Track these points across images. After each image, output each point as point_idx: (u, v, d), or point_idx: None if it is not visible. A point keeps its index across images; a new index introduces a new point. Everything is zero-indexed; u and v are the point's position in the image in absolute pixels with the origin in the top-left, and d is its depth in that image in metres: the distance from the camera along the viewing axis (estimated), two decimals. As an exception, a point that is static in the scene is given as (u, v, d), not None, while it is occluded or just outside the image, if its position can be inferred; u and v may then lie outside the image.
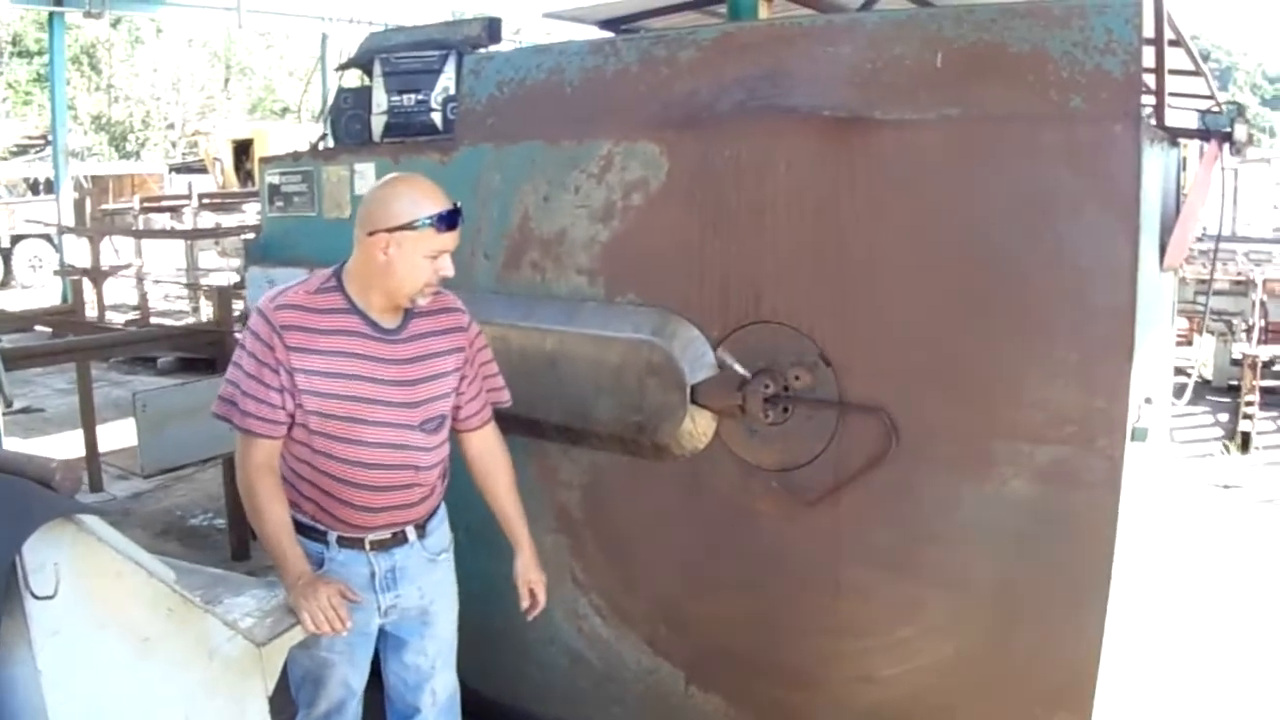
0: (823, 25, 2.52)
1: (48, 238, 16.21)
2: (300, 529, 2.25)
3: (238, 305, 6.17)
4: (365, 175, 3.19)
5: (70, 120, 17.80)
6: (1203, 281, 7.02)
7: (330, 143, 3.56)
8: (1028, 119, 2.16)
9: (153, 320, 10.96)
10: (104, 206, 15.65)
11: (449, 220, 2.16)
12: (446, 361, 2.31)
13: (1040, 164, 2.15)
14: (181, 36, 27.63)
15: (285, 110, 28.60)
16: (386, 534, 2.32)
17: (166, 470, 4.61)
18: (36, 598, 1.60)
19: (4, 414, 5.41)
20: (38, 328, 9.03)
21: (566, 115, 2.79)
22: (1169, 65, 3.09)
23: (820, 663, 2.57)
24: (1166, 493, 3.88)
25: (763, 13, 4.08)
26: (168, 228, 13.21)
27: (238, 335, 4.88)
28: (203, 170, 19.78)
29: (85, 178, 17.81)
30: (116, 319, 10.83)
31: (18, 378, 6.24)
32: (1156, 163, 2.48)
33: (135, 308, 12.08)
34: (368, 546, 2.31)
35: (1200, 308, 7.06)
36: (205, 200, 14.04)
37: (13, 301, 14.03)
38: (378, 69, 3.26)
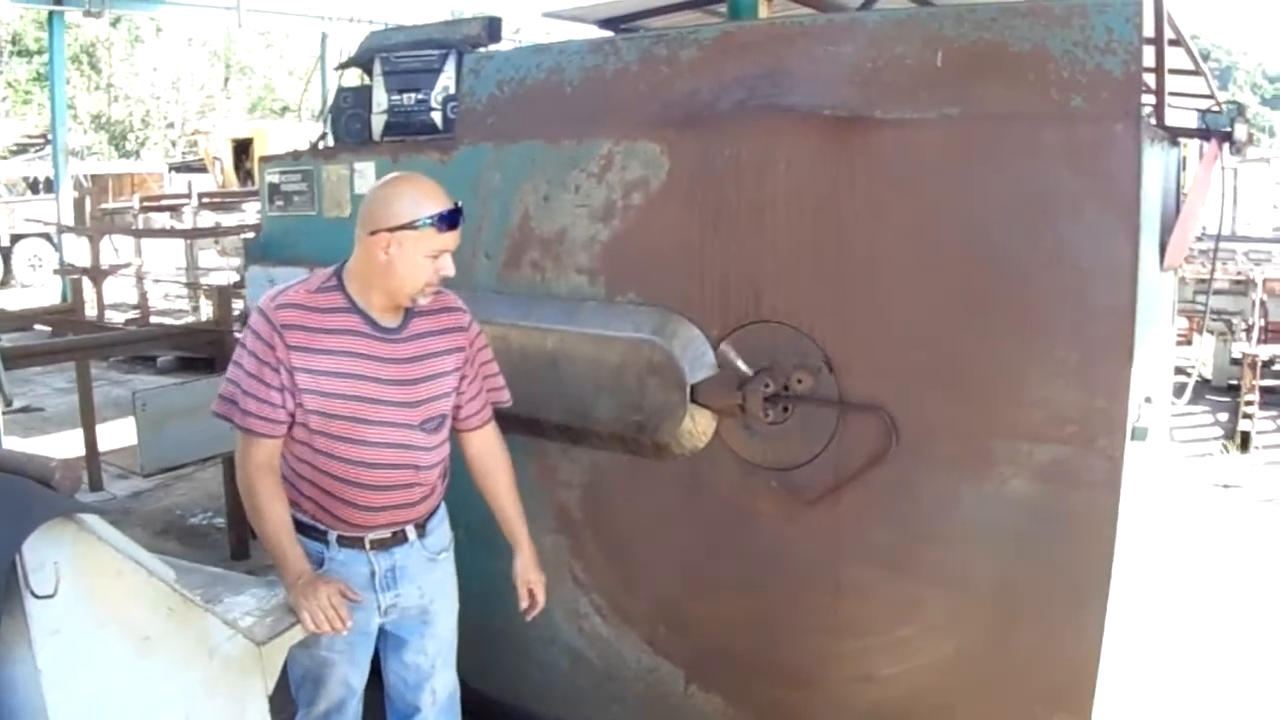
0: (823, 24, 2.52)
1: (47, 237, 16.20)
2: (300, 528, 2.25)
3: (237, 304, 6.17)
4: (365, 174, 3.18)
5: (70, 119, 17.79)
6: (1202, 281, 7.02)
7: (330, 142, 3.56)
8: (1028, 118, 2.16)
9: (152, 319, 10.96)
10: (104, 206, 15.64)
11: (450, 220, 2.16)
12: (447, 361, 2.31)
13: (1041, 163, 2.15)
14: (181, 35, 27.62)
15: (285, 109, 28.60)
16: (387, 533, 2.32)
17: (166, 469, 4.60)
18: (36, 597, 1.60)
19: (4, 413, 5.41)
20: (37, 327, 9.01)
21: (567, 114, 2.79)
22: (1169, 65, 3.09)
23: (820, 662, 2.57)
24: (1166, 492, 3.88)
25: (763, 12, 4.09)
26: (167, 227, 13.21)
27: (237, 334, 4.89)
28: (202, 169, 19.77)
29: (85, 177, 17.78)
30: (116, 318, 10.83)
31: (17, 377, 6.24)
32: (1157, 162, 2.48)
33: (135, 307, 12.07)
34: (368, 546, 2.31)
35: (1200, 307, 7.06)
36: (205, 199, 14.04)
37: (12, 300, 14.02)
38: (378, 68, 3.26)
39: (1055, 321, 2.17)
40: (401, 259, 2.13)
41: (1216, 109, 3.74)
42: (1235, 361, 8.12)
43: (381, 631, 2.41)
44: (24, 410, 7.81)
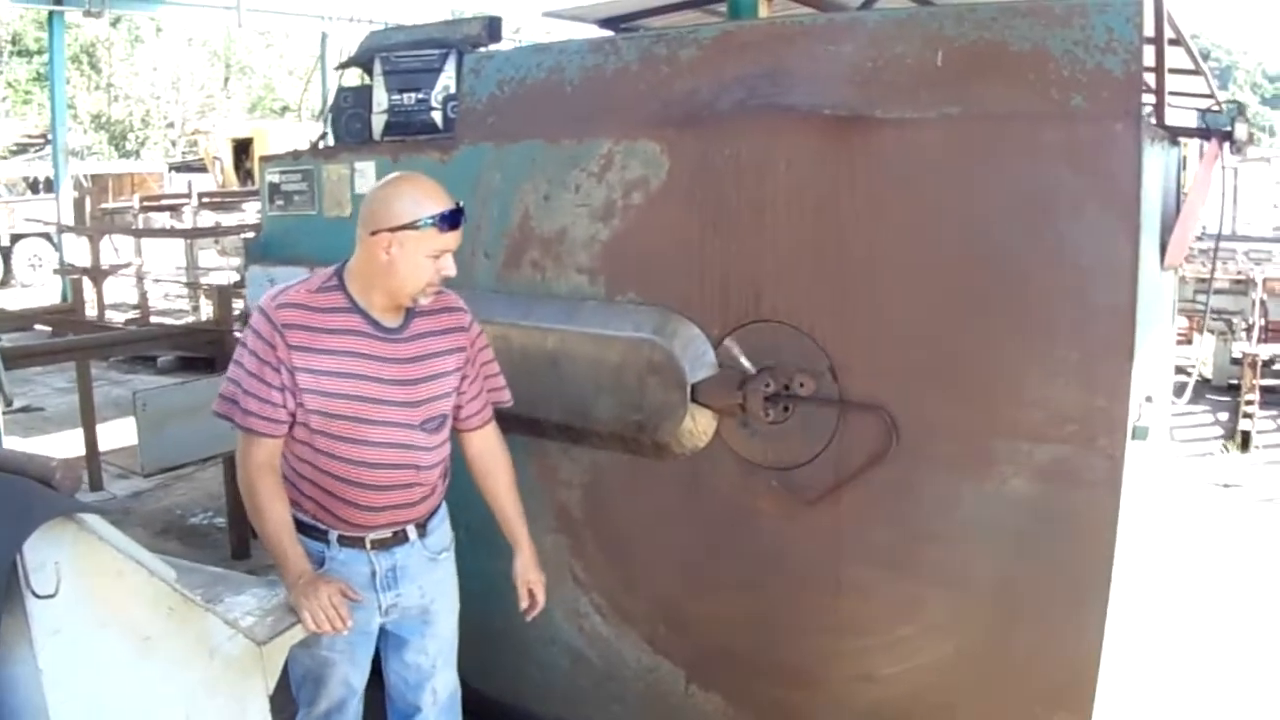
0: (823, 24, 2.52)
1: (47, 236, 16.20)
2: (301, 528, 2.25)
3: (237, 304, 6.16)
4: (365, 174, 3.18)
5: (70, 119, 17.79)
6: (1203, 280, 7.02)
7: (330, 141, 3.56)
8: (1028, 117, 2.16)
9: (152, 319, 10.96)
10: (104, 205, 15.64)
11: (451, 220, 2.16)
12: (447, 361, 2.31)
13: (1041, 163, 2.15)
14: (181, 35, 27.62)
15: (285, 109, 28.61)
16: (387, 533, 2.32)
17: (166, 469, 4.60)
18: (37, 596, 1.60)
19: (4, 413, 5.41)
20: (37, 326, 9.02)
21: (567, 114, 2.79)
22: (1169, 64, 3.09)
23: (820, 661, 2.57)
24: (1167, 492, 3.88)
25: (763, 11, 4.09)
26: (167, 227, 13.21)
27: (238, 334, 4.89)
28: (202, 169, 19.78)
29: (85, 177, 17.78)
30: (116, 318, 10.82)
31: (17, 376, 6.24)
32: (1157, 162, 2.48)
33: (135, 307, 12.07)
34: (368, 545, 2.31)
35: (1200, 306, 7.05)
36: (205, 199, 14.04)
37: (12, 300, 14.01)
38: (378, 68, 3.26)
39: (1056, 321, 2.17)
40: (403, 259, 2.13)
41: (1217, 108, 3.74)
42: (1235, 361, 8.12)
43: (382, 631, 2.41)
44: (24, 410, 7.81)
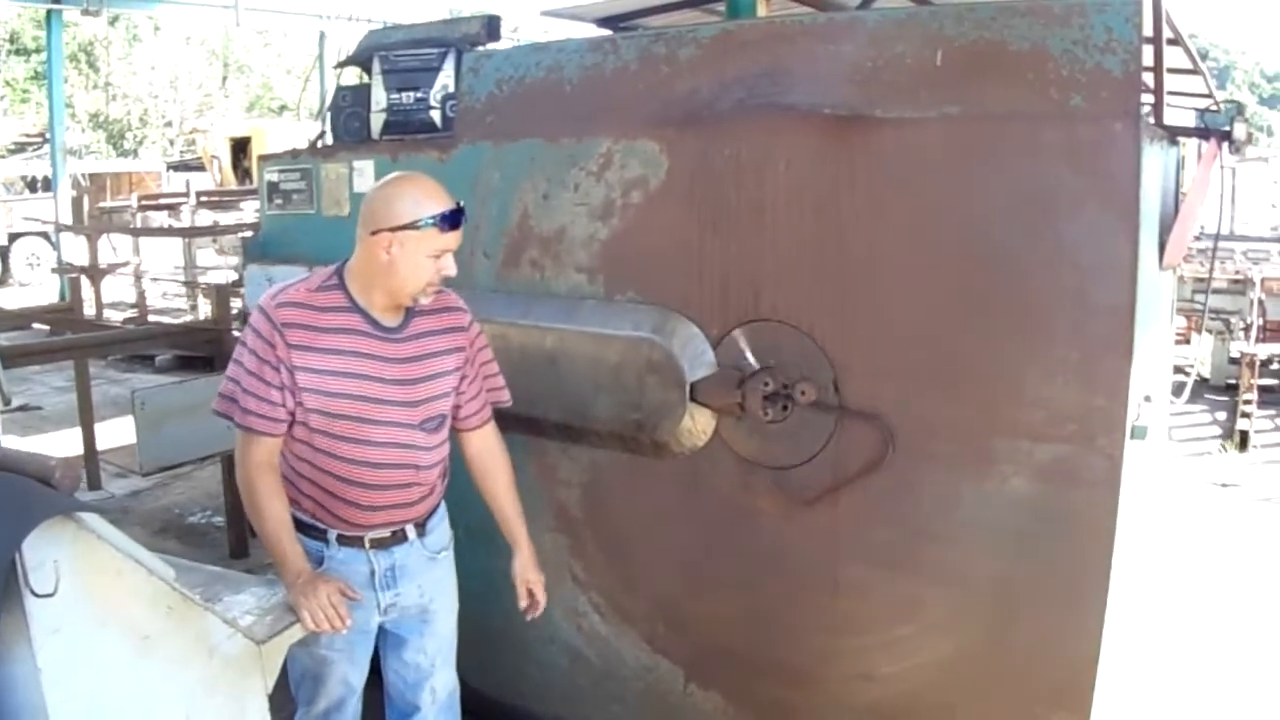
0: (823, 23, 2.52)
1: (45, 235, 16.19)
2: (300, 527, 2.25)
3: (236, 303, 6.16)
4: (364, 173, 3.18)
5: (68, 118, 17.78)
6: (1201, 280, 7.03)
7: (329, 140, 3.55)
8: (1028, 117, 2.16)
9: (150, 318, 10.96)
10: (102, 204, 15.64)
11: (452, 220, 2.15)
12: (447, 361, 2.30)
13: (1040, 162, 2.15)
14: (179, 34, 27.58)
15: (283, 108, 28.59)
16: (386, 532, 2.31)
17: (165, 468, 4.60)
18: (36, 595, 1.60)
19: (2, 412, 5.41)
20: (35, 325, 9.01)
21: (566, 113, 2.79)
22: (1167, 64, 3.09)
23: (819, 661, 2.57)
24: (1165, 491, 3.88)
25: (761, 10, 4.09)
26: (165, 225, 13.20)
27: (236, 333, 4.89)
28: (200, 168, 19.77)
29: (83, 175, 17.78)
30: (114, 317, 10.81)
31: (16, 375, 6.22)
32: (1156, 161, 2.48)
33: (133, 305, 12.07)
34: (367, 545, 2.31)
35: (1199, 306, 7.07)
36: (203, 198, 14.03)
37: (10, 299, 14.02)
38: (376, 66, 3.26)
39: (1055, 320, 2.17)
40: (403, 259, 2.13)
41: (1215, 108, 3.74)
42: (1234, 361, 8.12)
43: (381, 630, 2.41)
44: (22, 409, 7.80)
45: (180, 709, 1.88)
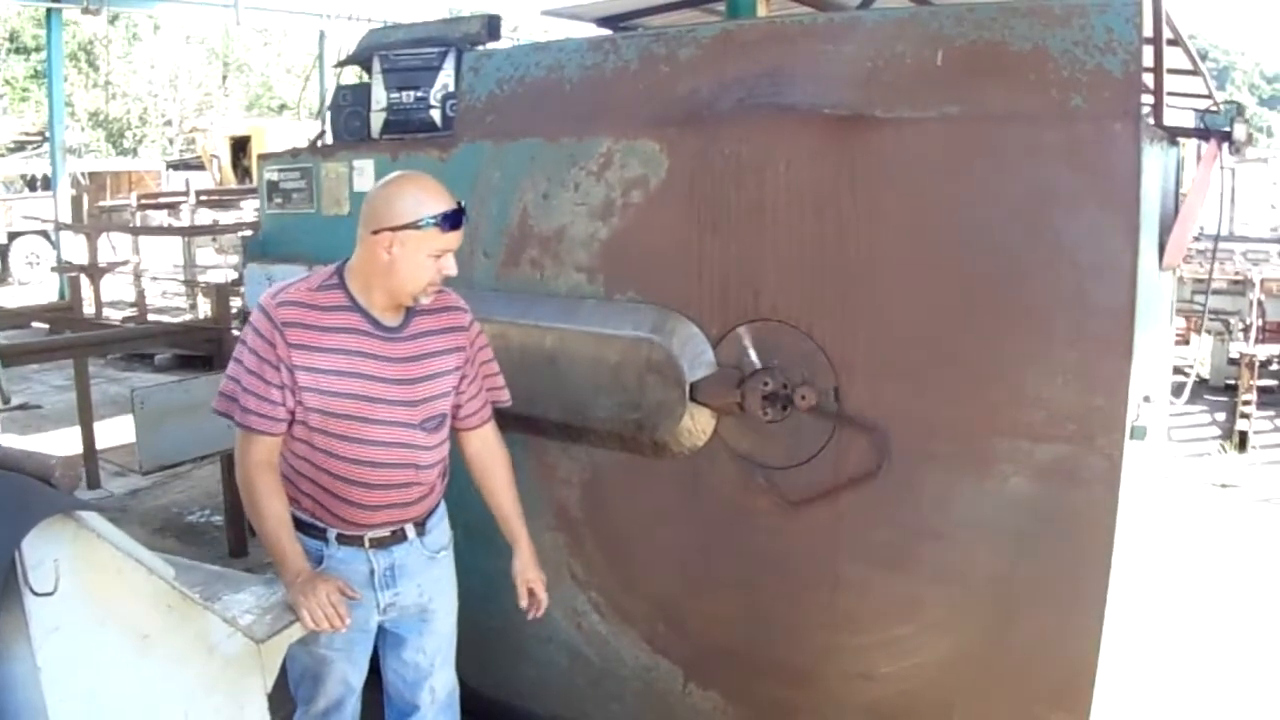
0: (823, 23, 2.52)
1: (45, 234, 16.18)
2: (299, 526, 2.25)
3: (235, 302, 6.16)
4: (364, 172, 3.18)
5: (68, 117, 17.79)
6: (1201, 281, 7.03)
7: (329, 139, 3.55)
8: (1028, 117, 2.16)
9: (150, 317, 10.96)
10: (101, 203, 15.64)
11: (453, 220, 2.15)
12: (447, 360, 2.30)
13: (1040, 162, 2.15)
14: (179, 33, 27.59)
15: (283, 107, 28.59)
16: (386, 531, 2.31)
17: (164, 467, 4.59)
18: (36, 594, 1.60)
19: (2, 410, 5.41)
20: (35, 324, 9.00)
21: (566, 112, 2.79)
22: (1167, 65, 3.09)
23: (818, 660, 2.57)
24: (1164, 491, 3.88)
25: (761, 10, 4.09)
26: (165, 224, 13.19)
27: (235, 332, 4.89)
28: (200, 167, 19.76)
29: (83, 174, 17.78)
30: (114, 316, 10.80)
31: (15, 374, 6.23)
32: (1156, 162, 2.48)
33: (132, 304, 12.07)
34: (367, 544, 2.30)
35: (1198, 307, 7.06)
36: (203, 197, 14.02)
37: (10, 298, 14.01)
38: (377, 66, 3.26)
39: (1055, 320, 2.17)
40: (404, 258, 2.13)
41: (1215, 109, 3.74)
42: (1233, 361, 8.13)
43: (380, 630, 2.41)
44: (22, 408, 7.79)
45: (180, 708, 1.88)
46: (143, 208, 13.83)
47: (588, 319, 2.74)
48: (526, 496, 2.55)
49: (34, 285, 16.38)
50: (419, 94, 3.20)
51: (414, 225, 2.11)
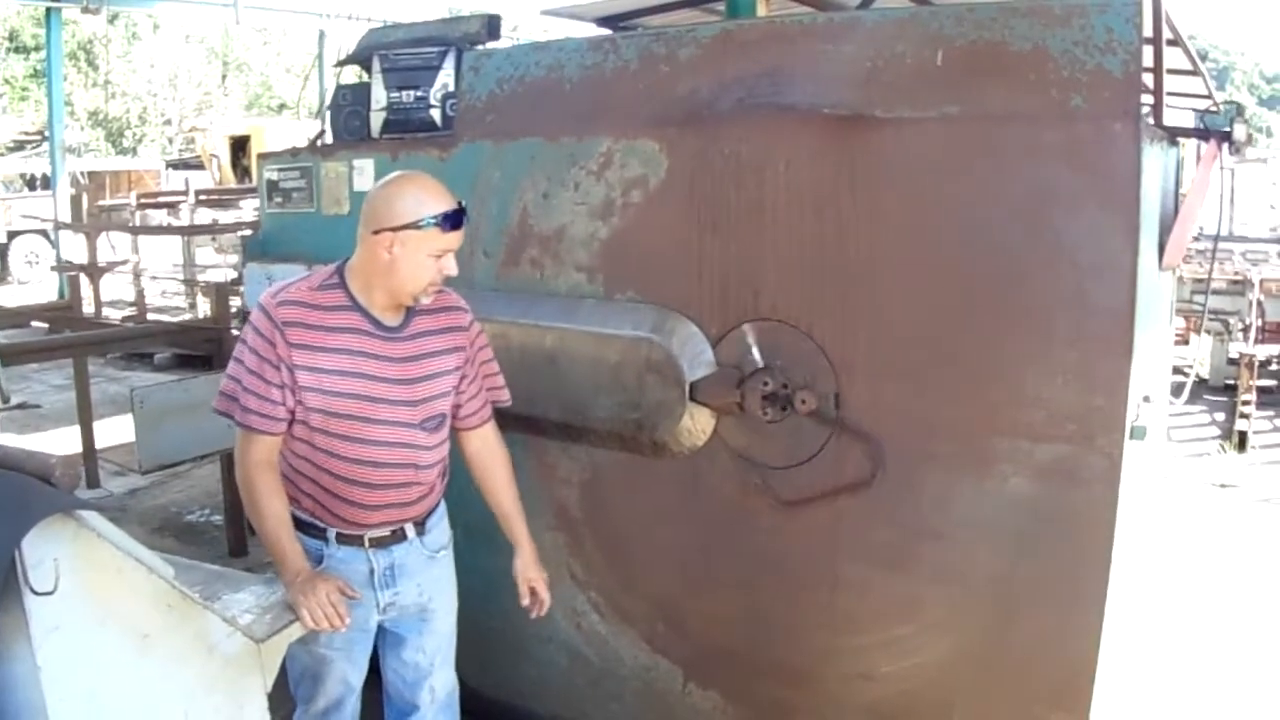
0: (823, 23, 2.52)
1: (44, 233, 16.18)
2: (299, 525, 2.25)
3: (234, 302, 6.16)
4: (364, 171, 3.18)
5: (67, 116, 17.78)
6: (1200, 281, 7.03)
7: (329, 139, 3.55)
8: (1028, 117, 2.16)
9: (149, 316, 10.96)
10: (101, 202, 15.63)
11: (454, 220, 2.15)
12: (447, 360, 2.30)
13: (1040, 162, 2.15)
14: (179, 32, 27.58)
15: (282, 106, 28.58)
16: (386, 531, 2.31)
17: (164, 466, 4.58)
18: (36, 593, 1.60)
19: (1, 410, 5.40)
20: (34, 323, 8.98)
21: (566, 112, 2.79)
22: (1167, 65, 3.09)
23: (818, 660, 2.57)
24: (1164, 491, 3.89)
25: (761, 10, 4.09)
26: (164, 224, 13.19)
27: (235, 332, 4.89)
28: (199, 166, 19.75)
29: (82, 173, 17.78)
30: (113, 315, 10.81)
31: (14, 373, 6.24)
32: (1156, 162, 2.48)
33: (132, 304, 12.07)
34: (367, 543, 2.30)
35: (1198, 307, 7.07)
36: (202, 196, 14.01)
37: (9, 297, 14.01)
38: (376, 65, 3.26)
39: (1055, 320, 2.17)
40: (405, 258, 2.13)
41: (1215, 109, 3.74)
42: (1232, 361, 8.13)
43: (380, 629, 2.41)
44: (21, 407, 7.80)
45: (179, 707, 1.88)
46: (142, 207, 13.82)
47: (588, 319, 2.74)
48: (526, 496, 2.55)
49: (33, 284, 16.38)
50: (419, 93, 3.20)
51: (415, 225, 2.11)
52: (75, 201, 13.34)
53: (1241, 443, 6.93)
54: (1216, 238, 4.59)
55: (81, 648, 1.69)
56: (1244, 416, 7.03)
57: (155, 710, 1.84)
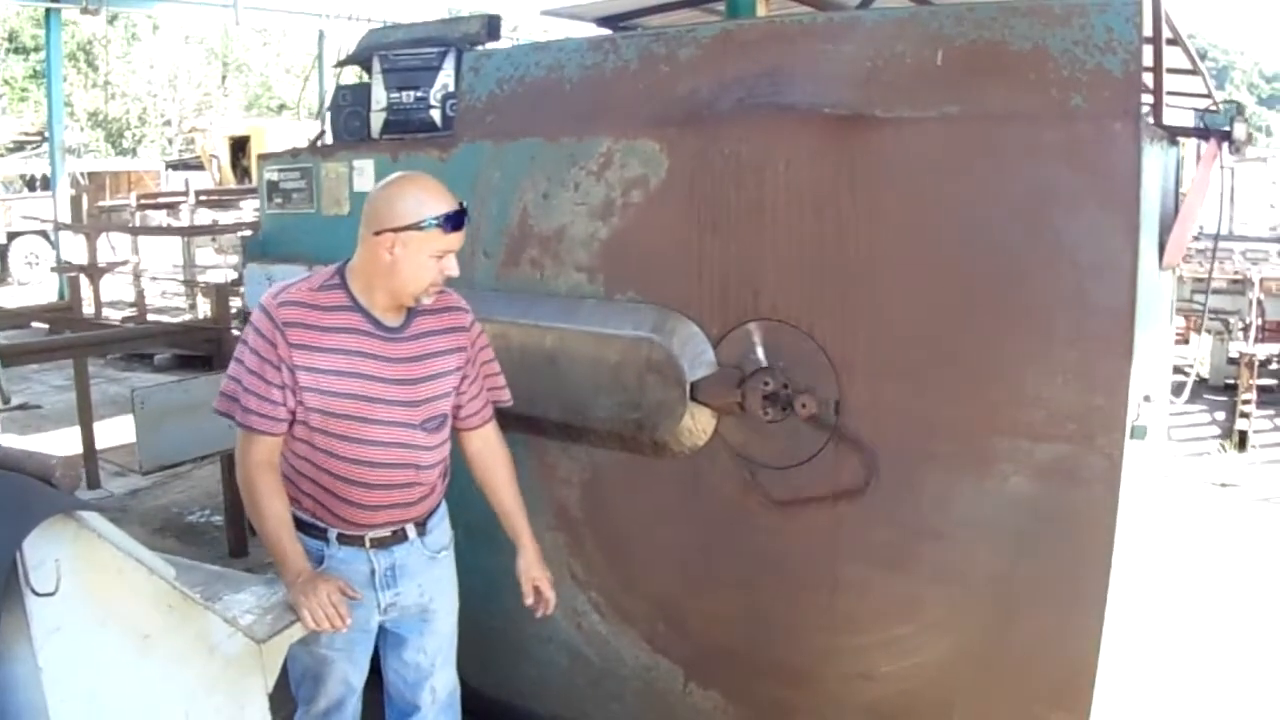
0: (823, 23, 2.52)
1: (44, 234, 16.18)
2: (300, 526, 2.25)
3: (234, 302, 6.16)
4: (364, 172, 3.18)
5: (67, 117, 17.79)
6: (1200, 280, 7.03)
7: (329, 139, 3.55)
8: (1028, 117, 2.16)
9: (149, 317, 10.96)
10: (101, 203, 15.64)
11: (455, 221, 2.15)
12: (448, 360, 2.30)
13: (1040, 162, 2.15)
14: (178, 33, 27.58)
15: (282, 107, 28.59)
16: (386, 531, 2.31)
17: (164, 467, 4.59)
18: (37, 594, 1.60)
19: (1, 410, 5.41)
20: (34, 324, 9.00)
21: (566, 112, 2.79)
22: (1166, 64, 3.09)
23: (818, 660, 2.57)
24: (1164, 491, 3.89)
25: (760, 10, 4.09)
26: (164, 224, 13.19)
27: (235, 332, 4.89)
28: (199, 167, 19.76)
29: (82, 174, 17.78)
30: (113, 316, 10.80)
31: (15, 374, 6.23)
32: (1156, 161, 2.48)
33: (132, 304, 12.06)
34: (368, 544, 2.31)
35: (1198, 306, 7.06)
36: (202, 197, 14.02)
37: (9, 298, 14.01)
38: (376, 66, 3.26)
39: (1055, 320, 2.17)
40: (406, 259, 2.13)
41: (1214, 109, 3.74)
42: (1232, 361, 8.13)
43: (381, 630, 2.41)
44: (21, 408, 7.79)
45: (180, 708, 1.88)
46: (142, 208, 13.83)
47: (588, 319, 2.74)
48: (527, 496, 2.54)
49: (33, 285, 16.38)
50: (419, 94, 3.20)
51: (416, 226, 2.12)
52: (75, 202, 13.35)
53: (1242, 442, 6.93)
54: (1216, 237, 4.58)
55: (82, 648, 1.69)
56: (1244, 416, 7.03)
57: (156, 711, 1.84)
